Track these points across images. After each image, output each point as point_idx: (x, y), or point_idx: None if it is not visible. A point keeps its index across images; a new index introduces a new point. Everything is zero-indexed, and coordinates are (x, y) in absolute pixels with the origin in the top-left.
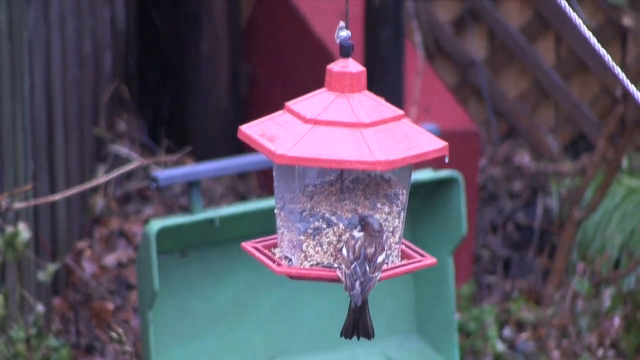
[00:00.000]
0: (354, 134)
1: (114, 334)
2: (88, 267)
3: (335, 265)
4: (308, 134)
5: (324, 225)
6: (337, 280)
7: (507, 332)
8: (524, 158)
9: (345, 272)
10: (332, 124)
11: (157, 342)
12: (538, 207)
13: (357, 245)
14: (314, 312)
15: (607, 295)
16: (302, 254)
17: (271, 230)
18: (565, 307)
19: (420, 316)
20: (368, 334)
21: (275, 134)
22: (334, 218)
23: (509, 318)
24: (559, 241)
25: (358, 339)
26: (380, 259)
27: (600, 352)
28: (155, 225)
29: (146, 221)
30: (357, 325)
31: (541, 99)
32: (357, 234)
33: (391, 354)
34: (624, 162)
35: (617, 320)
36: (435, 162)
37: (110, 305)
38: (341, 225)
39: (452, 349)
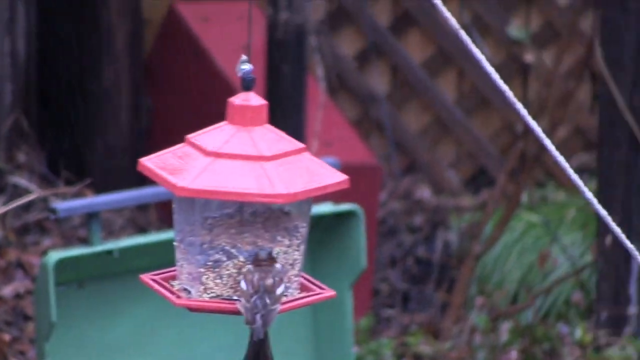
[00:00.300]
0: (255, 167)
1: None
2: None
3: (235, 297)
4: (209, 166)
5: (224, 258)
6: (238, 312)
7: None
8: (425, 192)
9: (245, 306)
10: (233, 157)
11: None
12: (438, 241)
13: (255, 278)
14: (213, 345)
15: (505, 329)
16: (202, 286)
17: (171, 262)
18: (463, 340)
19: (318, 349)
20: None
21: (176, 166)
22: (234, 250)
23: (407, 351)
24: (458, 275)
25: None
26: (279, 290)
27: None
28: (54, 256)
29: (44, 252)
30: (258, 357)
31: (442, 133)
32: (252, 268)
33: None
34: (524, 197)
35: (514, 354)
36: (336, 196)
37: (6, 337)
38: (241, 258)
39: None
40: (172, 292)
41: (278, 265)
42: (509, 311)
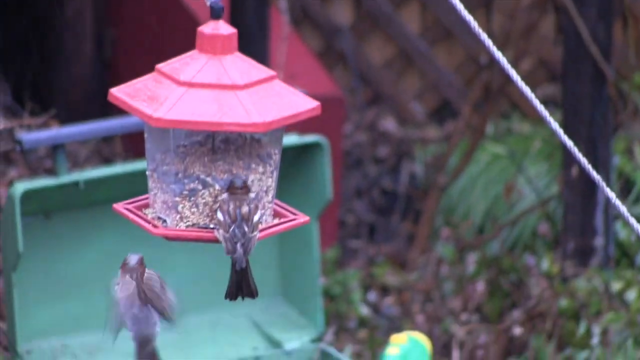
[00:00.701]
0: (229, 96)
1: None
2: None
3: (212, 225)
4: (183, 96)
5: (200, 187)
6: (216, 240)
7: (372, 296)
8: (389, 124)
9: (224, 236)
10: (207, 87)
11: (21, 304)
12: (403, 173)
13: (231, 208)
14: (178, 274)
15: (471, 260)
16: (178, 215)
17: (137, 193)
18: (430, 272)
19: (285, 280)
20: (252, 293)
21: (150, 96)
22: (209, 179)
23: (374, 282)
24: (423, 207)
25: (242, 299)
26: (256, 217)
27: (464, 316)
28: (20, 187)
29: (10, 183)
30: (241, 286)
31: (406, 65)
32: (227, 197)
33: (256, 318)
34: (489, 129)
35: (481, 285)
36: (301, 128)
37: None
38: (217, 187)
39: (317, 312)
40: (148, 222)
41: (252, 194)
42: (475, 242)
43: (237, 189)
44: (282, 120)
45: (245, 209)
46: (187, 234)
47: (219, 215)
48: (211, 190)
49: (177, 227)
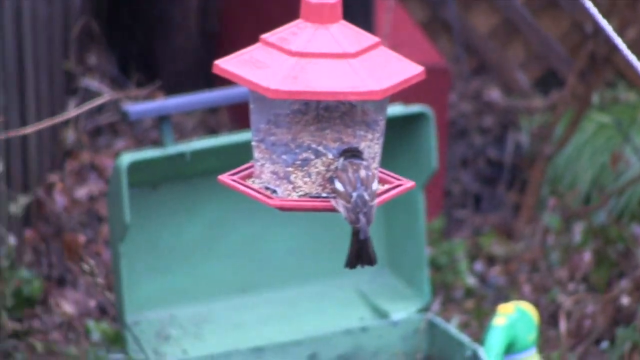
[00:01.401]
0: (342, 64)
1: (85, 267)
2: (59, 199)
3: (324, 194)
4: (296, 67)
5: (312, 156)
6: (331, 209)
7: (478, 266)
8: (494, 94)
9: (346, 207)
10: (319, 56)
11: (128, 275)
12: (508, 143)
13: (350, 176)
14: (285, 246)
15: (578, 229)
16: (290, 185)
17: (243, 163)
18: (536, 241)
19: (391, 250)
20: (371, 261)
21: (260, 68)
22: (321, 148)
23: (480, 252)
24: (529, 176)
25: (362, 267)
26: (374, 186)
27: (571, 286)
28: (126, 158)
29: (117, 155)
30: (361, 254)
31: (511, 34)
32: (342, 164)
33: (363, 288)
34: (595, 98)
35: (587, 255)
36: (406, 98)
37: (81, 238)
38: (329, 155)
39: (423, 282)
40: (260, 193)
41: (365, 162)
42: (581, 212)
43: (352, 156)
44: (395, 86)
45: (363, 173)
46: (303, 204)
47: (338, 185)
48: (324, 159)
49: (289, 197)
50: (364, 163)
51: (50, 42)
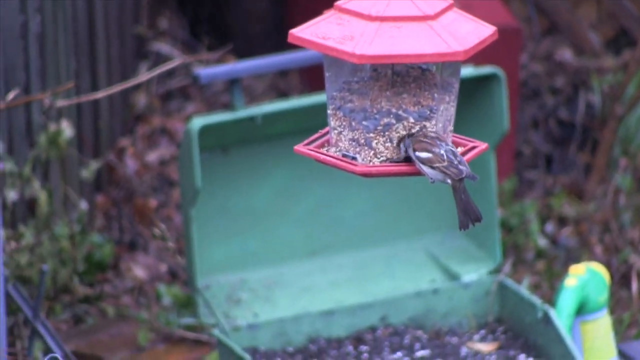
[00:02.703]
0: (423, 27)
1: (156, 231)
2: (130, 164)
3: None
4: (379, 31)
5: (394, 121)
6: (417, 173)
7: (549, 227)
8: (566, 54)
9: (443, 166)
10: (399, 19)
11: (199, 239)
12: (580, 103)
13: (428, 141)
14: (354, 209)
15: None
16: (372, 151)
17: (313, 127)
18: (607, 202)
19: None
20: (478, 217)
21: (342, 34)
22: (402, 112)
23: (551, 213)
24: (600, 137)
25: (473, 225)
26: (449, 140)
27: None
28: (197, 122)
29: (188, 118)
30: (468, 212)
31: None
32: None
33: (433, 250)
34: None
35: None
36: (476, 59)
37: (152, 202)
38: (411, 119)
39: (494, 244)
40: (342, 161)
41: (431, 128)
42: None
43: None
44: (476, 46)
45: (434, 134)
46: (388, 169)
47: (423, 154)
48: (405, 123)
49: (371, 162)
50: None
51: (121, 6)
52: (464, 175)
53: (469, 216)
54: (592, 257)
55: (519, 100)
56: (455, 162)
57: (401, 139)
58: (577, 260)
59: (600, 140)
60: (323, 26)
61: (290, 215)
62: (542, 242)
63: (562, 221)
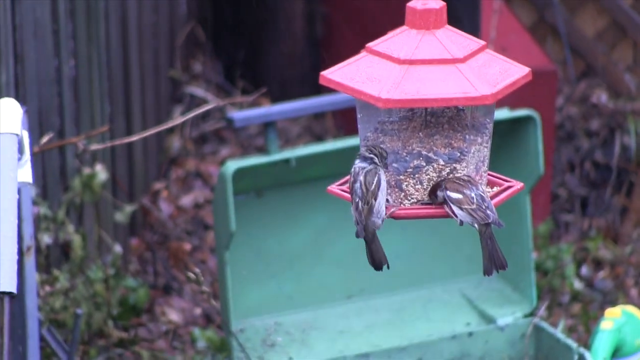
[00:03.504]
0: (451, 70)
1: (191, 274)
2: (165, 207)
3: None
4: (406, 74)
5: (424, 163)
6: (445, 216)
7: (585, 270)
8: (601, 96)
9: (471, 209)
10: (428, 62)
11: (234, 282)
12: (616, 146)
13: (459, 182)
14: (391, 252)
15: None
16: (402, 193)
17: (347, 170)
18: None
19: None
20: (502, 264)
21: (369, 77)
22: (432, 155)
23: (587, 256)
24: (636, 179)
25: (497, 272)
26: (483, 186)
27: None
28: (232, 165)
29: (222, 162)
30: (492, 258)
31: (619, 37)
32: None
33: (469, 293)
34: None
35: None
36: (512, 101)
37: (187, 246)
38: (441, 161)
39: (530, 287)
40: None
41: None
42: None
43: (447, 165)
44: (505, 89)
45: (466, 177)
46: (417, 211)
47: (454, 194)
48: (435, 165)
49: (402, 204)
50: (461, 167)
51: (155, 50)
52: (490, 220)
53: (493, 262)
54: (628, 300)
55: (555, 143)
56: (484, 207)
57: (437, 186)
58: (613, 303)
59: (636, 183)
60: (353, 68)
61: (326, 258)
62: (578, 285)
63: (598, 264)
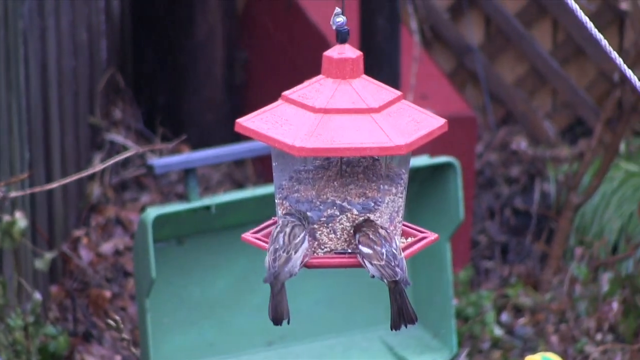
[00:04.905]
0: (366, 120)
1: (111, 322)
2: (85, 254)
3: (350, 250)
4: (320, 123)
5: (337, 212)
6: (359, 265)
7: (505, 317)
8: (521, 143)
9: (380, 265)
10: (342, 112)
11: (154, 330)
12: (535, 192)
13: (373, 238)
14: (311, 299)
15: (605, 279)
16: (316, 242)
17: (268, 217)
18: (563, 292)
19: (418, 302)
20: (412, 320)
21: (285, 125)
22: (345, 204)
23: (507, 303)
24: (556, 226)
25: (406, 327)
26: (397, 241)
27: (599, 336)
28: (152, 213)
29: (143, 209)
30: (401, 312)
31: (538, 84)
32: (361, 234)
33: (389, 340)
34: (622, 147)
35: (615, 305)
36: (432, 148)
37: (107, 293)
38: (354, 211)
39: (450, 334)
40: None
41: (376, 220)
42: (609, 261)
43: (366, 226)
44: (419, 139)
45: (382, 232)
46: (329, 260)
47: (366, 250)
48: (348, 215)
49: (315, 254)
50: (380, 224)
51: (75, 96)
52: (397, 278)
53: (402, 317)
54: (549, 347)
55: (475, 189)
56: (393, 264)
57: (356, 229)
58: (533, 350)
59: (556, 230)
60: (268, 116)
61: (247, 305)
62: (498, 331)
63: (518, 311)
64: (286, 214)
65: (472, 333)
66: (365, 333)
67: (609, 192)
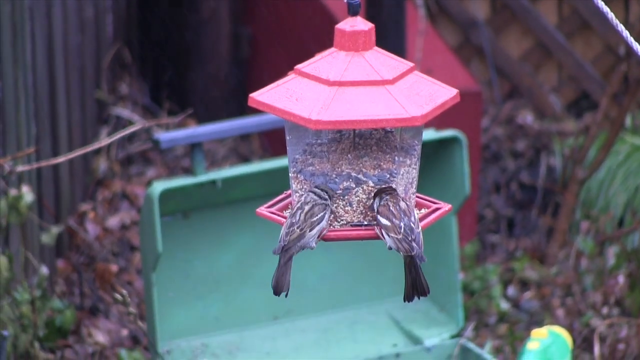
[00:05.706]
0: (381, 91)
1: (117, 296)
2: (91, 229)
3: (366, 222)
4: (336, 96)
5: (353, 185)
6: (375, 237)
7: (511, 291)
8: (527, 117)
9: (397, 238)
10: (357, 84)
11: (160, 304)
12: (541, 167)
13: (392, 210)
14: (317, 273)
15: (611, 253)
16: (332, 215)
17: (274, 191)
18: (569, 265)
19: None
20: (424, 291)
21: (299, 98)
22: (361, 176)
23: (513, 277)
24: (562, 200)
25: (419, 298)
26: (416, 213)
27: (605, 310)
28: (158, 187)
29: (149, 183)
30: (415, 285)
31: (544, 58)
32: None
33: (395, 314)
34: (628, 120)
35: (621, 278)
36: (438, 122)
37: (113, 267)
38: (370, 183)
39: (456, 308)
40: None
41: (398, 191)
42: (615, 235)
43: (385, 190)
44: (434, 110)
45: (402, 205)
46: (346, 233)
47: (384, 221)
48: (364, 187)
49: (331, 226)
50: (401, 195)
51: (82, 71)
52: (413, 253)
53: (415, 289)
54: (554, 321)
55: (481, 164)
56: (409, 239)
57: (375, 195)
58: (539, 323)
59: (562, 204)
60: (282, 90)
61: (253, 279)
62: (504, 305)
63: (524, 285)
64: (311, 190)
65: (478, 307)
66: (371, 307)
67: (614, 166)
